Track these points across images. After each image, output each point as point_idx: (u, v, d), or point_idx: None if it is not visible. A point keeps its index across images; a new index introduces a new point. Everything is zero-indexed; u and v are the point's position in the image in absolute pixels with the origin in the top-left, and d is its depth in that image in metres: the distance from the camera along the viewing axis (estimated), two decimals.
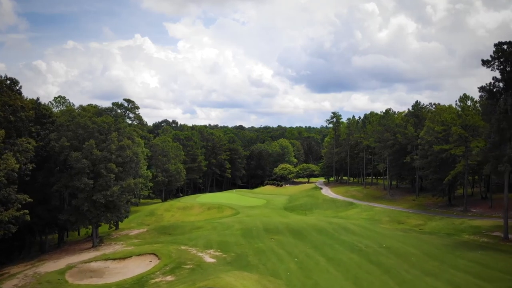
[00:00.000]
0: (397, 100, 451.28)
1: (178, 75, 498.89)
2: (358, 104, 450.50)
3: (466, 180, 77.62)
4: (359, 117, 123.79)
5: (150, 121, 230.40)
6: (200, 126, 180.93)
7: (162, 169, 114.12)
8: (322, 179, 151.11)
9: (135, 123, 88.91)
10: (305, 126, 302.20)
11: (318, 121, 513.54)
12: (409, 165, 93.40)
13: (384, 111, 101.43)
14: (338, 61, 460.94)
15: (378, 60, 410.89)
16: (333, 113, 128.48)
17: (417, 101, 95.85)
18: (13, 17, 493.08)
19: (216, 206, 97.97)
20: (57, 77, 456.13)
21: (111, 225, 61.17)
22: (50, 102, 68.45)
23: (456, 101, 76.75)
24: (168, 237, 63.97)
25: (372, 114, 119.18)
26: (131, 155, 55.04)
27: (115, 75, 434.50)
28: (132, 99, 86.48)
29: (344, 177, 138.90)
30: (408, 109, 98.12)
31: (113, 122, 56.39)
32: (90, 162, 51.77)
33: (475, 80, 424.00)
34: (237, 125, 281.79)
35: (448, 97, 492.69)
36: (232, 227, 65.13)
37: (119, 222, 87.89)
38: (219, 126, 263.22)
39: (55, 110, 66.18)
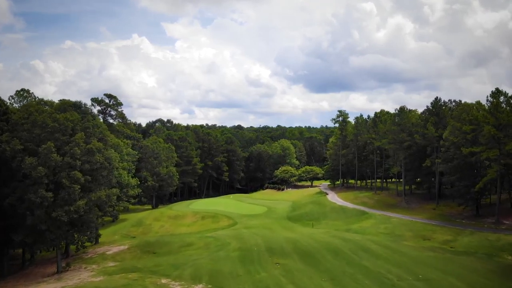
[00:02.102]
0: (395, 100, 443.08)
1: (176, 75, 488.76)
2: (356, 104, 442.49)
3: (499, 188, 67.48)
4: (368, 116, 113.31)
5: (148, 121, 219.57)
6: (196, 125, 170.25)
7: (152, 172, 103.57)
8: (325, 183, 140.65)
9: (118, 122, 77.88)
10: (305, 126, 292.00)
11: (317, 121, 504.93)
12: (427, 169, 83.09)
13: (398, 108, 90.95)
14: (336, 61, 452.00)
15: (376, 60, 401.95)
16: (340, 111, 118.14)
17: (437, 97, 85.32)
18: (10, 17, 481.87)
19: (211, 215, 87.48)
20: (55, 77, 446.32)
21: (79, 247, 50.50)
22: (11, 96, 57.58)
23: (487, 96, 66.34)
24: (152, 258, 53.49)
25: (383, 112, 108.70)
26: (102, 161, 44.47)
27: (113, 74, 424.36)
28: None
29: (350, 181, 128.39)
30: (426, 106, 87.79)
31: (79, 120, 45.80)
32: (49, 170, 41.20)
33: (474, 80, 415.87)
34: (236, 125, 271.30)
35: (446, 98, 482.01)
36: (228, 245, 54.62)
37: (101, 234, 78.16)
38: (217, 126, 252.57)
39: (17, 106, 55.49)
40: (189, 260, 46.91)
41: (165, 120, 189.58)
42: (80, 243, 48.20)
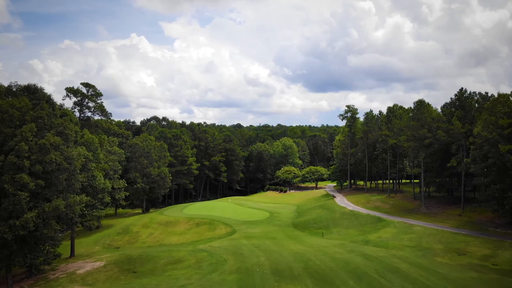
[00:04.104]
0: (394, 100, 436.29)
1: (175, 74, 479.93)
2: (355, 103, 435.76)
3: None
4: (380, 111, 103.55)
5: (143, 119, 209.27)
6: (192, 123, 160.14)
7: (142, 173, 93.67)
8: (331, 183, 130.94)
9: (98, 116, 67.45)
10: (305, 125, 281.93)
11: (316, 121, 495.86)
12: (451, 170, 73.31)
13: (416, 101, 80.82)
14: (334, 60, 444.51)
15: (374, 59, 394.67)
16: (348, 106, 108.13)
17: (462, 88, 75.37)
18: (7, 16, 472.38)
19: (206, 222, 77.65)
20: (53, 76, 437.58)
21: (33, 271, 40.51)
22: None
23: None
24: (130, 280, 43.80)
25: (396, 106, 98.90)
26: (60, 161, 34.67)
27: (111, 74, 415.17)
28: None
29: (359, 182, 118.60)
30: (450, 98, 77.79)
31: (30, 107, 35.93)
32: None
33: (472, 80, 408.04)
34: (235, 123, 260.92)
35: (445, 97, 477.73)
36: (224, 263, 44.87)
37: (81, 244, 68.82)
38: (216, 125, 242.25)
39: None
40: (174, 287, 37.08)
41: (161, 117, 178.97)
42: (34, 267, 38.29)
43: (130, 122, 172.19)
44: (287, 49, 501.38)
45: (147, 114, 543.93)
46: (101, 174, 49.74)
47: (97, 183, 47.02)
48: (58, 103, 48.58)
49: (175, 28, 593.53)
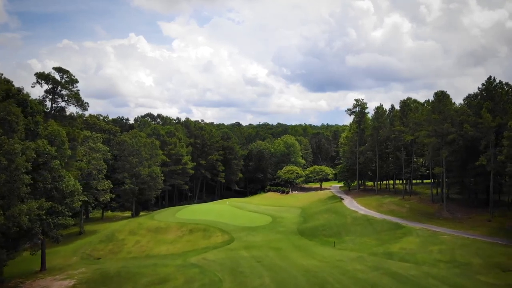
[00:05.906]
0: (393, 99, 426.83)
1: (173, 74, 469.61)
2: (354, 103, 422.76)
3: None
4: (392, 105, 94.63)
5: (137, 116, 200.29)
6: (187, 119, 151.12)
7: (131, 173, 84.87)
8: (336, 184, 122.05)
9: (73, 107, 58.27)
10: (304, 124, 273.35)
11: (316, 121, 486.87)
12: (477, 169, 64.68)
13: (436, 92, 71.86)
14: (333, 60, 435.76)
15: (373, 59, 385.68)
16: (356, 100, 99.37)
17: (490, 76, 66.95)
18: (4, 16, 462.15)
19: (201, 228, 69.05)
20: None
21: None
22: None
23: None
24: None
25: (410, 100, 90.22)
26: None
27: (109, 73, 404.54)
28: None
29: (368, 183, 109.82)
30: (478, 87, 69.19)
31: None
32: None
33: (471, 80, 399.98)
34: (234, 122, 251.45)
35: None
36: (219, 285, 36.06)
37: (58, 253, 60.63)
38: (215, 124, 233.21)
39: None
40: None
41: (156, 115, 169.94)
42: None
43: (123, 119, 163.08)
44: (286, 49, 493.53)
45: (146, 113, 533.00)
46: (69, 175, 41.04)
47: (64, 185, 38.41)
48: (16, 86, 39.43)
49: (173, 28, 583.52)
